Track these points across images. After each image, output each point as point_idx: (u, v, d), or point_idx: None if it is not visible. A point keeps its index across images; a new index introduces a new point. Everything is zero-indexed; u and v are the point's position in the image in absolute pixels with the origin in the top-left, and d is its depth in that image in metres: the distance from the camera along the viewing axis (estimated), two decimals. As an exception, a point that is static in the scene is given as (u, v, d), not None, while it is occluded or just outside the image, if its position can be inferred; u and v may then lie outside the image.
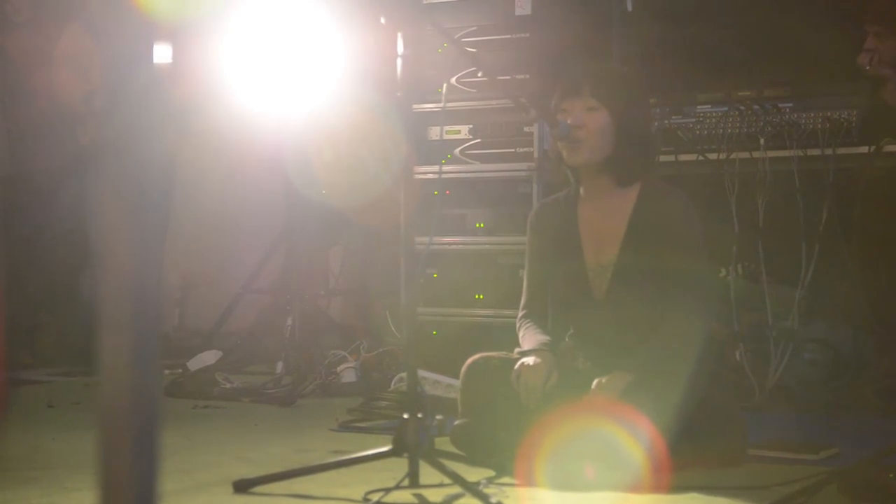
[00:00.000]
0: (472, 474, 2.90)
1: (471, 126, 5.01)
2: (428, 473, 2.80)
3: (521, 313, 3.55)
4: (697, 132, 4.61)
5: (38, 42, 5.47)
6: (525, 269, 3.61)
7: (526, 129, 4.88)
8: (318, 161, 5.63)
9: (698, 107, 4.67)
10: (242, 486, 2.86)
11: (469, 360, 3.43)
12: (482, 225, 4.96)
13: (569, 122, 3.31)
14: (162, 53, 1.32)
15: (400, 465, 2.83)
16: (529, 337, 3.44)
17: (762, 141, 4.43)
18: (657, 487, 2.86)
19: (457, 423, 3.34)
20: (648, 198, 3.36)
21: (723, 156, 4.48)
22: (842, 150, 4.35)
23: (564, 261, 3.44)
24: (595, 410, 3.04)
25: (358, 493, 2.77)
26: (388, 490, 2.73)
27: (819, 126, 4.38)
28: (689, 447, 3.06)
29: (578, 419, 3.02)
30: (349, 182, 5.50)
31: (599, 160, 3.34)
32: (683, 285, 3.26)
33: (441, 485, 2.82)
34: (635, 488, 2.86)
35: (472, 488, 2.69)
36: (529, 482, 2.93)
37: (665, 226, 3.30)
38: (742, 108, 4.53)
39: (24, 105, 5.67)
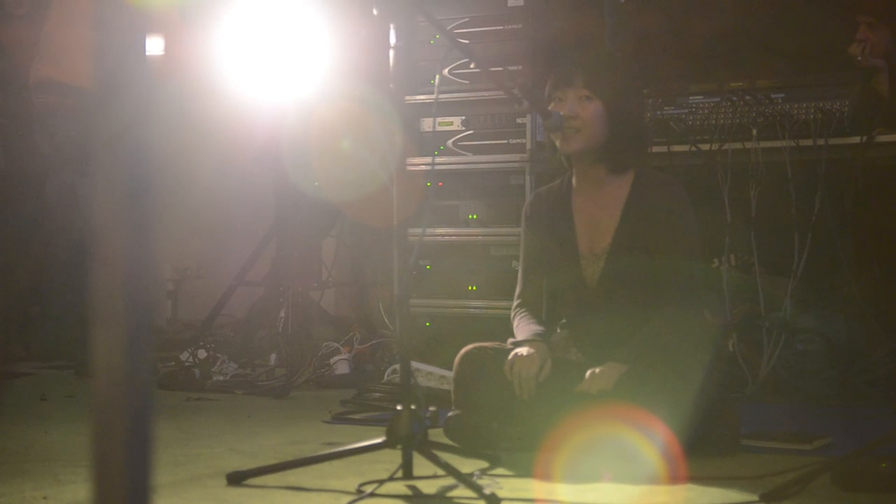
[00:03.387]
0: (466, 466, 2.91)
1: (463, 117, 5.01)
2: (421, 465, 2.81)
3: (515, 303, 3.56)
4: (690, 123, 4.61)
5: (35, 35, 5.45)
6: (520, 259, 3.61)
7: (518, 120, 4.88)
8: (311, 153, 5.62)
9: (690, 98, 4.67)
10: (236, 478, 2.86)
11: (462, 351, 3.43)
12: (475, 216, 4.96)
13: (562, 112, 3.31)
14: (154, 45, 1.32)
15: (393, 457, 2.83)
16: (523, 327, 3.44)
17: (754, 131, 4.43)
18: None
19: (450, 414, 3.34)
20: (642, 187, 3.37)
21: (715, 146, 4.49)
22: (834, 141, 4.35)
23: (558, 250, 3.45)
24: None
25: (351, 485, 2.77)
26: (381, 482, 2.74)
27: (811, 116, 4.38)
28: (682, 437, 3.06)
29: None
30: (342, 174, 5.49)
31: (593, 149, 3.35)
32: (675, 275, 3.27)
33: (434, 476, 2.82)
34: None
35: (465, 479, 2.70)
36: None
37: (658, 215, 3.30)
38: (734, 98, 4.54)
39: (18, 98, 5.65)
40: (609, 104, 3.33)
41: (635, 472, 2.91)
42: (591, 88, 3.33)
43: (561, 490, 2.81)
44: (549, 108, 3.34)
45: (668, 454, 2.96)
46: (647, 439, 2.98)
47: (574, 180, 3.47)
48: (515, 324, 3.49)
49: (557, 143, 3.38)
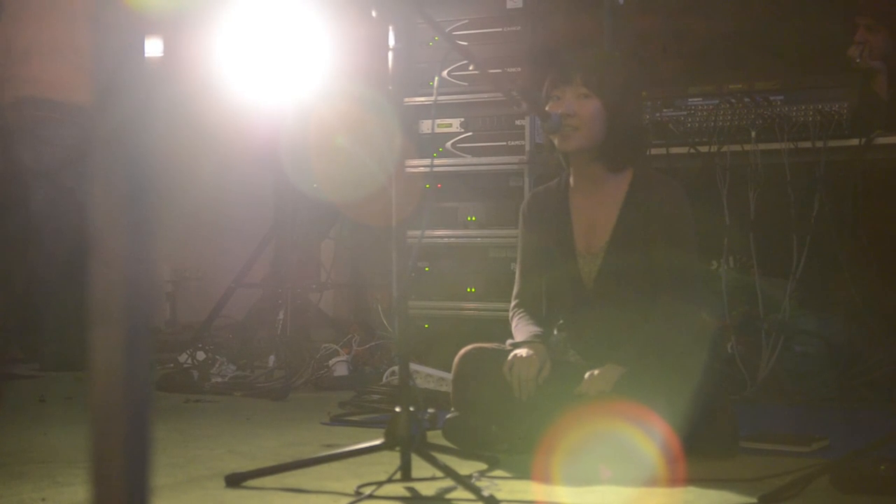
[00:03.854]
0: (464, 467, 2.91)
1: (462, 119, 5.00)
2: (420, 467, 2.81)
3: (513, 302, 3.55)
4: (688, 125, 4.61)
5: (27, 35, 5.44)
6: (517, 258, 3.61)
7: (517, 122, 4.88)
8: (310, 154, 5.62)
9: (689, 100, 4.67)
10: (234, 480, 2.86)
11: (462, 351, 3.43)
12: (474, 218, 4.96)
13: (560, 111, 3.31)
14: (153, 47, 1.32)
15: (392, 459, 2.83)
16: (522, 328, 3.44)
17: (753, 134, 4.43)
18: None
19: (448, 416, 3.34)
20: (640, 186, 3.36)
21: (714, 149, 4.49)
22: (833, 143, 4.36)
23: (556, 249, 3.44)
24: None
25: (350, 487, 2.77)
26: (380, 483, 2.73)
27: (810, 118, 4.39)
28: (681, 438, 3.06)
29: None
30: (341, 176, 5.50)
31: (592, 147, 3.34)
32: (672, 274, 3.26)
33: (433, 478, 2.82)
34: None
35: (464, 481, 2.70)
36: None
37: (656, 214, 3.30)
38: (733, 100, 4.54)
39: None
40: (607, 102, 3.33)
41: (634, 468, 2.91)
42: (589, 86, 3.33)
43: (559, 492, 2.81)
44: (547, 106, 3.35)
45: (667, 450, 2.96)
46: (646, 435, 2.98)
47: (572, 179, 3.47)
48: (514, 324, 3.49)
49: (556, 142, 3.38)
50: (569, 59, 3.43)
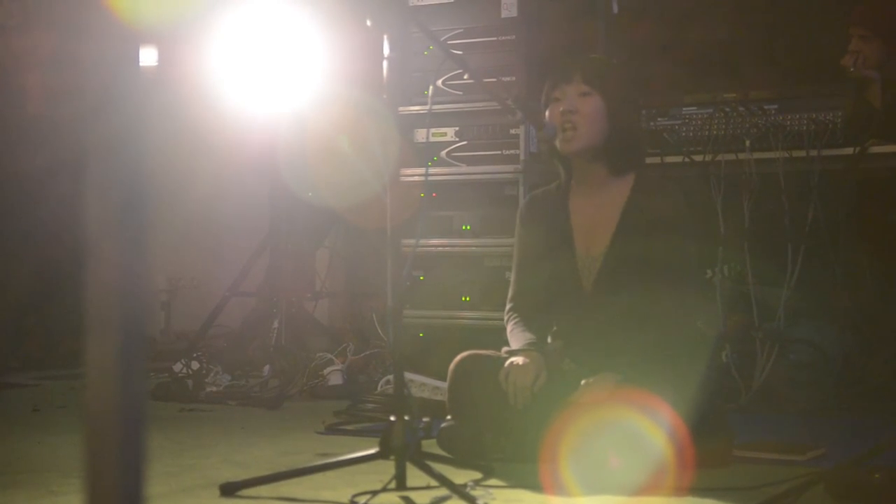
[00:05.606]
0: (459, 476, 2.90)
1: (457, 128, 5.00)
2: (415, 476, 2.80)
3: (508, 306, 3.55)
4: (683, 134, 4.62)
5: (26, 45, 5.46)
6: (513, 261, 3.60)
7: (512, 131, 4.88)
8: (305, 163, 5.62)
9: (684, 108, 4.67)
10: (229, 490, 2.86)
11: (458, 357, 3.43)
12: (469, 227, 4.96)
13: (561, 108, 3.31)
14: (148, 57, 1.32)
15: (387, 468, 2.83)
16: (517, 334, 3.43)
17: (748, 142, 4.44)
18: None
19: (443, 425, 3.34)
20: (643, 190, 3.36)
21: (708, 157, 4.49)
22: (827, 152, 4.36)
23: (555, 252, 3.44)
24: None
25: (345, 496, 2.76)
26: (374, 493, 2.73)
27: (804, 127, 4.39)
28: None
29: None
30: (336, 184, 5.50)
31: (594, 147, 3.34)
32: (671, 282, 3.26)
33: (428, 487, 2.82)
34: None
35: (458, 490, 2.69)
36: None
37: (658, 220, 3.30)
38: (727, 109, 4.54)
39: (11, 107, 5.65)
40: (608, 99, 3.33)
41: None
42: (590, 84, 3.33)
43: (554, 502, 2.81)
44: (547, 110, 3.36)
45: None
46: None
47: (572, 182, 3.46)
48: (509, 329, 3.49)
49: (557, 144, 3.37)
50: (568, 60, 3.45)
